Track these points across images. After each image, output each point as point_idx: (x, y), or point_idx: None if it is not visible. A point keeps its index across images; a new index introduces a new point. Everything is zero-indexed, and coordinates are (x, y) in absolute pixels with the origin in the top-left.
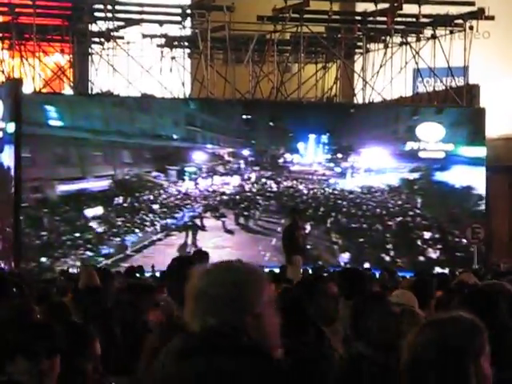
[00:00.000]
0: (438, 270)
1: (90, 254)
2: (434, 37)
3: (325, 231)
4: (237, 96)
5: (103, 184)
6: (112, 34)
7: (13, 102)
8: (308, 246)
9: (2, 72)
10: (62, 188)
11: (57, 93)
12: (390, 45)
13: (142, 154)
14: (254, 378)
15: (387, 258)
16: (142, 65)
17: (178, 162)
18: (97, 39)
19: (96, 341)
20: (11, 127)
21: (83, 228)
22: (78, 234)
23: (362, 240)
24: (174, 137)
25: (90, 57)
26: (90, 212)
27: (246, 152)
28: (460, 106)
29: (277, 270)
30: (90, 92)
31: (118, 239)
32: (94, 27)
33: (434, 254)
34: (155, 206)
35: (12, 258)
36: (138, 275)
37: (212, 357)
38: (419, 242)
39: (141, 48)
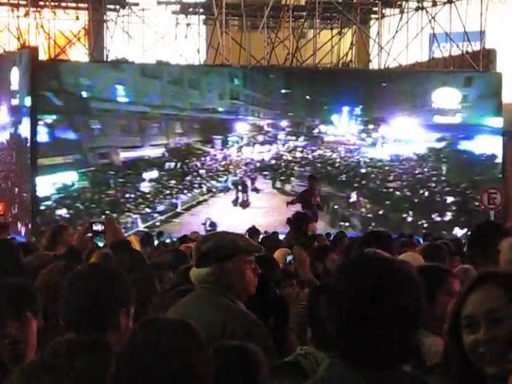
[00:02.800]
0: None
1: (147, 210)
2: (449, 1)
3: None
4: (252, 62)
5: (158, 151)
6: (127, 0)
7: (29, 69)
8: (336, 206)
9: (18, 39)
10: (125, 155)
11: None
12: (405, 10)
13: (191, 126)
14: None
15: (409, 219)
16: (157, 32)
17: (222, 132)
18: (112, 6)
19: None
20: (28, 101)
21: (142, 188)
22: (138, 193)
23: (388, 203)
24: (220, 110)
25: (105, 24)
26: (147, 175)
27: (284, 123)
28: (476, 70)
29: None
30: (105, 59)
31: (170, 199)
32: None
33: (453, 217)
34: (202, 171)
35: (28, 220)
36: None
37: None
38: (441, 206)
39: (156, 15)
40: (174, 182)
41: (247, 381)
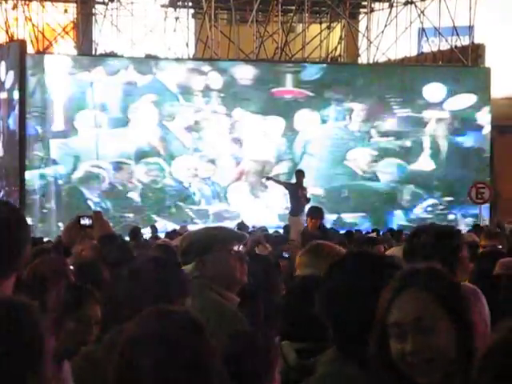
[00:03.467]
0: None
1: None
2: None
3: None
4: (241, 56)
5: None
6: None
7: (17, 62)
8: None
9: (6, 32)
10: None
11: (61, 53)
12: (394, 4)
13: None
14: None
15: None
16: (146, 25)
17: None
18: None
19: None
20: (16, 94)
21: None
22: None
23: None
24: None
25: (93, 17)
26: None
27: None
28: (465, 65)
29: (281, 231)
30: (93, 53)
31: None
32: None
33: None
34: None
35: None
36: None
37: None
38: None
39: (144, 8)
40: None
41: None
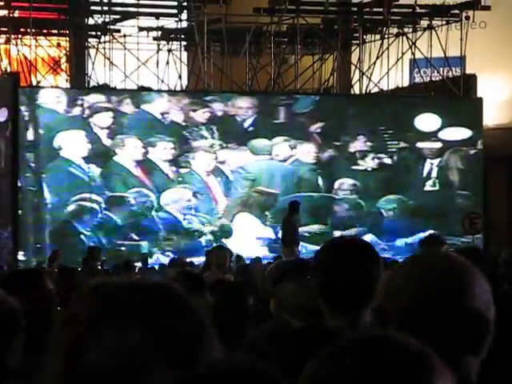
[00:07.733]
0: None
1: None
2: (430, 27)
3: None
4: (234, 88)
5: None
6: (108, 27)
7: (10, 96)
8: None
9: None
10: None
11: (54, 86)
12: (386, 36)
13: None
14: None
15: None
16: (139, 58)
17: None
18: (93, 33)
19: None
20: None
21: None
22: None
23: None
24: None
25: (86, 50)
26: None
27: None
28: (457, 96)
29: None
30: (86, 85)
31: None
32: (90, 21)
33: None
34: None
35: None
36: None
37: None
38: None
39: (137, 41)
40: None
41: None
